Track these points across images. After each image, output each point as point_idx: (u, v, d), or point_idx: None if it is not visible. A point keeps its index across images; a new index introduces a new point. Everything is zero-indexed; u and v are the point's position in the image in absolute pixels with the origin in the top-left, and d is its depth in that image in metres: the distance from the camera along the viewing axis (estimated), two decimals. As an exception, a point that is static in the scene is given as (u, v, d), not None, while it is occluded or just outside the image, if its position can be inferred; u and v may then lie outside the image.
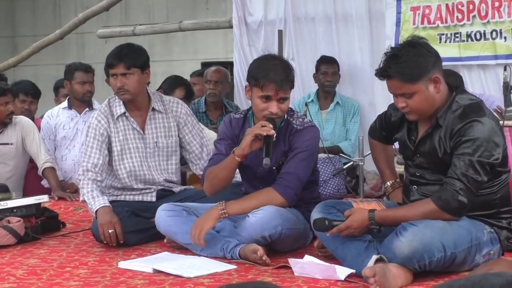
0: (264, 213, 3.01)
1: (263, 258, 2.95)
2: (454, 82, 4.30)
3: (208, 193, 3.26)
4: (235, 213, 3.07)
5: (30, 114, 5.30)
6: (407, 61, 2.71)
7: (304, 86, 5.79)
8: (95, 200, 3.41)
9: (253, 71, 3.13)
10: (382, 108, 5.13)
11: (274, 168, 3.16)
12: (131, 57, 3.53)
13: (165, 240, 3.37)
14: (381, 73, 2.79)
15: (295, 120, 3.19)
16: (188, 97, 5.03)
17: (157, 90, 4.80)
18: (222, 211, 3.05)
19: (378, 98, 5.35)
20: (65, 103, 5.19)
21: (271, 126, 3.01)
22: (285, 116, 3.18)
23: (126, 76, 3.52)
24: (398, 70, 2.73)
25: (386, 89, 5.04)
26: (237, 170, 3.20)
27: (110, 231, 3.29)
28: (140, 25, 7.89)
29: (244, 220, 3.09)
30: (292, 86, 3.14)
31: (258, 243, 3.02)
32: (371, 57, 5.38)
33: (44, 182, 4.94)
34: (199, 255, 3.14)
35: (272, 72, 3.04)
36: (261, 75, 3.05)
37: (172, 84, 5.09)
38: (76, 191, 4.77)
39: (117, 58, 3.52)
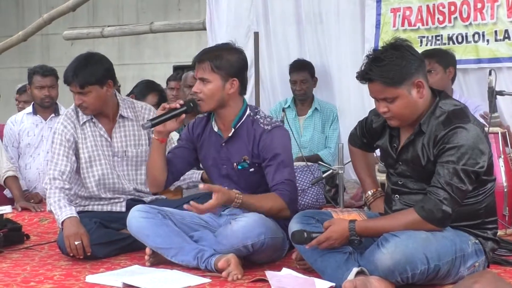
0: (247, 220, 2.92)
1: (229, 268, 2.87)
2: (446, 61, 4.22)
3: (148, 185, 3.33)
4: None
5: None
6: (390, 64, 2.63)
7: (277, 91, 5.64)
8: (61, 210, 3.29)
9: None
10: (351, 114, 5.08)
11: (234, 164, 3.13)
12: (85, 75, 3.36)
13: (146, 250, 3.18)
14: (363, 76, 2.71)
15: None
16: (161, 104, 4.88)
17: (128, 95, 4.68)
18: None
19: (347, 104, 5.24)
20: (29, 109, 5.05)
21: (181, 102, 3.18)
22: (250, 113, 3.14)
23: (84, 94, 3.39)
24: (380, 73, 2.64)
25: (355, 94, 5.05)
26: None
27: (76, 242, 3.17)
28: (108, 26, 7.72)
29: (225, 228, 3.00)
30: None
31: (239, 253, 2.92)
32: (340, 60, 5.26)
33: (7, 192, 4.79)
34: (171, 268, 3.02)
35: None
36: None
37: (144, 90, 4.95)
38: (40, 201, 4.65)
39: (70, 77, 3.38)
